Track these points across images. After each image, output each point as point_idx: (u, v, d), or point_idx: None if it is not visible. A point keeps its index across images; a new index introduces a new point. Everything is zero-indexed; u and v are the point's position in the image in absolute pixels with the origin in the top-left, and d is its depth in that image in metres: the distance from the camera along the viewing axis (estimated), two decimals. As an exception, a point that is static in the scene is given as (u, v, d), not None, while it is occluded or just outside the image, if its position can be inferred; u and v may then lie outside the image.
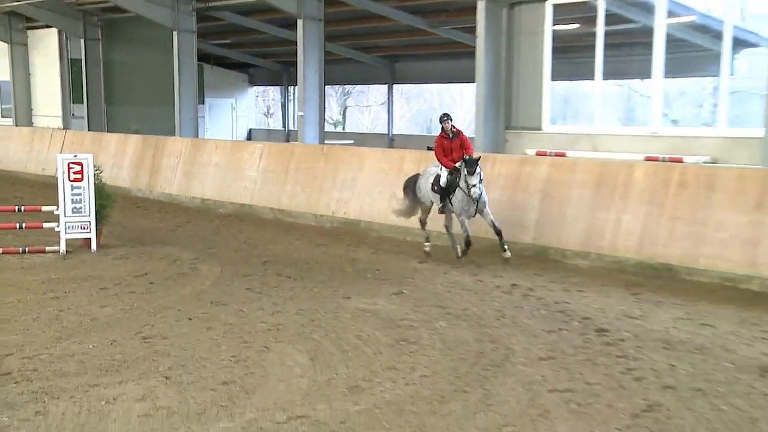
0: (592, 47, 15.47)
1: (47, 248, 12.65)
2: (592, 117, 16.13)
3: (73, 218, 12.69)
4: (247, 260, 12.29)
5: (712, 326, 8.54)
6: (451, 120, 11.98)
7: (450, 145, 11.82)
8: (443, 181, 11.75)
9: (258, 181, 17.48)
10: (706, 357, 7.52)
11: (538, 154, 14.73)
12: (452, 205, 11.78)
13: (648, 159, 12.85)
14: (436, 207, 12.18)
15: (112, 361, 7.48)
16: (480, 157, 11.60)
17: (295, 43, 20.11)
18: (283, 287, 10.46)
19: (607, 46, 15.39)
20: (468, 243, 11.60)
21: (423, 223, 12.68)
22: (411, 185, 12.75)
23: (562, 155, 14.23)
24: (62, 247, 12.60)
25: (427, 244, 12.52)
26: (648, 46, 14.69)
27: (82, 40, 28.01)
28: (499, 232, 11.52)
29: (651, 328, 8.48)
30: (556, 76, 16.28)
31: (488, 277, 10.97)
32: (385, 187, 14.77)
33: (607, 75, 15.92)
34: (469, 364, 7.36)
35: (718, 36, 14.45)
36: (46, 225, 12.81)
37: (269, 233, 14.87)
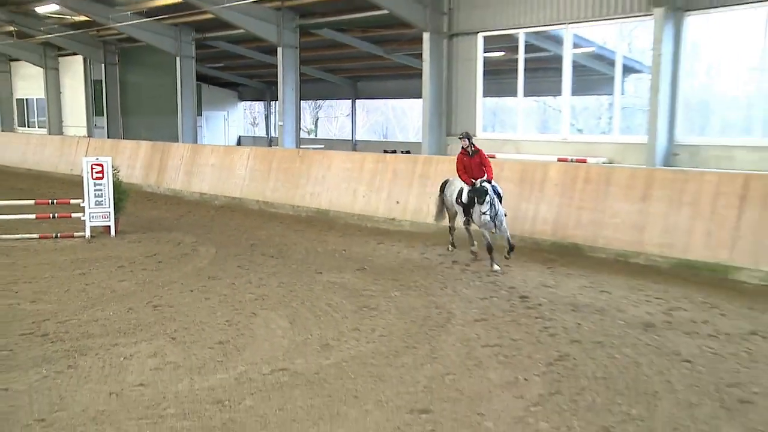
0: (515, 70, 15.62)
1: (75, 234, 12.55)
2: (516, 126, 16.28)
3: (96, 209, 12.66)
4: (238, 243, 12.19)
5: (608, 292, 8.69)
6: (470, 138, 10.34)
7: (470, 162, 10.21)
8: (464, 197, 10.34)
9: (246, 178, 17.34)
10: (604, 317, 7.66)
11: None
12: (473, 219, 10.23)
13: (560, 160, 13.02)
14: (461, 218, 10.66)
15: (129, 325, 7.43)
16: (490, 180, 10.02)
17: (276, 66, 20.04)
18: (267, 265, 10.40)
19: (527, 69, 15.55)
20: (489, 249, 9.89)
21: (451, 229, 11.27)
22: (443, 188, 11.28)
23: (492, 157, 14.19)
24: (87, 233, 12.54)
25: (452, 248, 11.14)
26: (558, 70, 14.86)
27: (103, 65, 28.20)
28: (512, 247, 10.12)
29: (562, 294, 8.60)
30: (486, 94, 16.42)
31: (434, 256, 11.03)
32: (349, 183, 14.75)
33: (527, 93, 16.09)
34: (418, 325, 7.40)
35: (611, 63, 14.68)
36: (74, 215, 12.72)
37: (255, 221, 14.77)
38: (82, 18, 23.41)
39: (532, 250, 11.27)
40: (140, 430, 5.04)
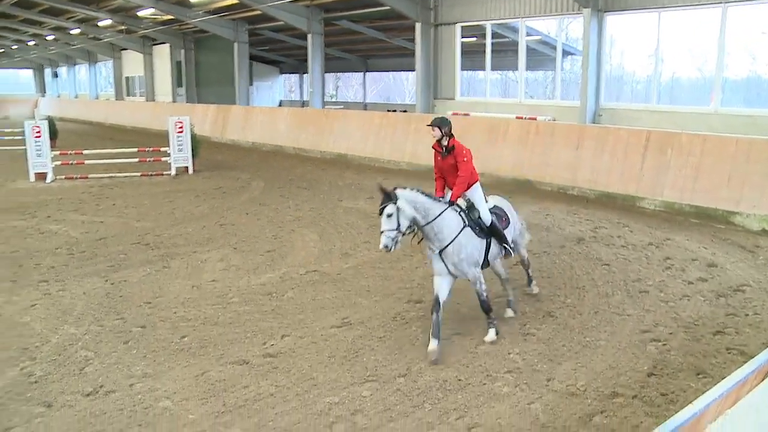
0: (484, 51, 15.05)
1: (164, 172, 12.50)
2: (485, 92, 15.79)
3: (179, 155, 12.62)
4: (280, 178, 12.03)
5: (552, 215, 8.56)
6: (443, 128, 4.62)
7: (443, 165, 4.69)
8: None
9: (285, 131, 16.99)
10: (549, 233, 7.56)
11: (454, 114, 14.40)
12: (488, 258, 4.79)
13: (517, 118, 12.66)
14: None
15: (204, 238, 7.37)
16: (453, 202, 4.66)
17: (307, 48, 19.55)
18: (302, 195, 10.27)
19: (493, 51, 14.99)
20: (485, 309, 4.63)
21: (522, 263, 5.54)
22: None
23: (467, 114, 13.95)
24: (173, 172, 12.50)
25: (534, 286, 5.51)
26: (515, 52, 14.32)
27: (182, 50, 28.12)
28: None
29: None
30: (463, 68, 15.88)
31: (425, 188, 10.83)
32: (362, 134, 14.43)
33: (493, 68, 15.60)
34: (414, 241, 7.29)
35: (554, 48, 14.18)
36: (164, 159, 12.65)
37: (293, 162, 14.54)
38: (169, 17, 23.79)
39: (497, 184, 11.04)
40: (215, 312, 5.02)
